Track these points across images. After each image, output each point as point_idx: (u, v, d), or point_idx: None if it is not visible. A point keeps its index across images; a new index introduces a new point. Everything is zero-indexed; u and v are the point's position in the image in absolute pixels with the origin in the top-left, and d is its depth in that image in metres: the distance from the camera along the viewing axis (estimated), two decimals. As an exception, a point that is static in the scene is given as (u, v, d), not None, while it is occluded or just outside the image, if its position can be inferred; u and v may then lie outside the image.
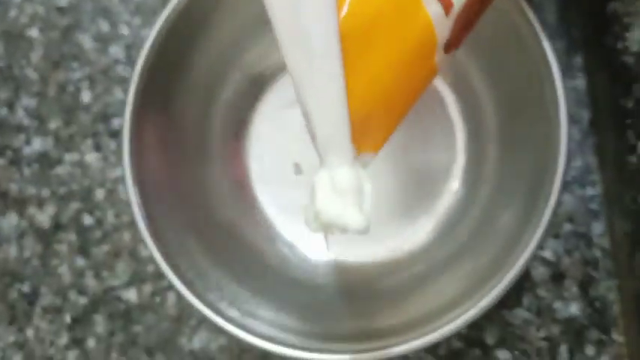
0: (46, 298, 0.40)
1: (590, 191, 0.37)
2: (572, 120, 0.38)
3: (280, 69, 0.38)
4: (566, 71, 0.38)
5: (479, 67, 0.35)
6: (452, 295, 0.32)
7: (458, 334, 0.37)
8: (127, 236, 0.40)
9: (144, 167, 0.33)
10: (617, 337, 0.36)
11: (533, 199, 0.30)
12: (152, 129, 0.33)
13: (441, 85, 0.37)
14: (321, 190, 0.25)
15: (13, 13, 0.43)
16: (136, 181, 0.32)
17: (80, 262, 0.40)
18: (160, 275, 0.39)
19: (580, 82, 0.38)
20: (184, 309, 0.39)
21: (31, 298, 0.40)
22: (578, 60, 0.38)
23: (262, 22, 0.35)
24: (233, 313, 0.32)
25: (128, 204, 0.39)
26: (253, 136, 0.39)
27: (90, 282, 0.40)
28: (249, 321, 0.32)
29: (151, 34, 0.33)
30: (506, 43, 0.32)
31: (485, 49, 0.34)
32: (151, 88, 0.33)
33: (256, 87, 0.39)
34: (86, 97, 0.42)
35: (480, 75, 0.35)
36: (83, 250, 0.40)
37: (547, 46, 0.30)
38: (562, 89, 0.30)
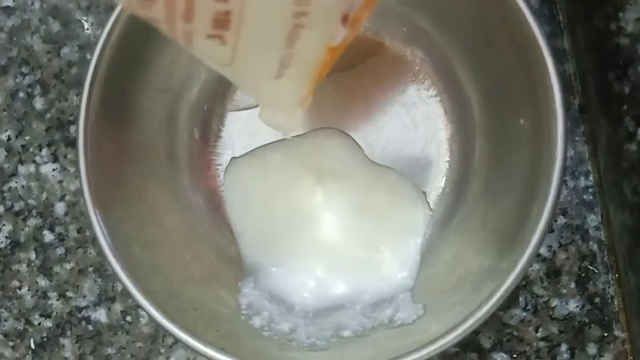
0: (8, 323, 0.39)
1: (583, 182, 0.36)
2: (562, 107, 0.36)
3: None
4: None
5: (462, 56, 0.34)
6: (451, 301, 0.31)
7: None
8: (92, 252, 0.39)
9: (104, 182, 0.30)
10: (620, 333, 0.35)
11: (529, 195, 0.28)
12: (111, 138, 0.31)
13: (424, 78, 0.36)
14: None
15: (-47, 14, 0.41)
16: (96, 199, 0.29)
17: (42, 282, 0.39)
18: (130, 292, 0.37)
19: (567, 66, 0.37)
20: (159, 327, 0.36)
21: None
22: (565, 43, 0.37)
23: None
24: (212, 334, 0.29)
25: (93, 229, 0.38)
26: (223, 140, 0.37)
27: (54, 303, 0.39)
28: (231, 341, 0.30)
29: (103, 33, 0.30)
30: (489, 28, 0.30)
31: (467, 36, 0.32)
32: (106, 94, 0.31)
33: (224, 86, 0.37)
34: (39, 103, 0.40)
35: (463, 64, 0.34)
36: (45, 269, 0.39)
37: (536, 29, 0.28)
38: (556, 75, 0.27)
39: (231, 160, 0.37)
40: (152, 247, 0.32)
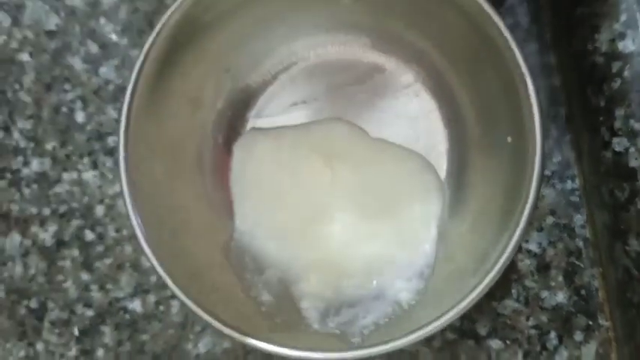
0: (54, 313, 0.41)
1: (569, 185, 0.39)
2: (549, 117, 0.39)
3: (268, 80, 0.40)
4: (541, 71, 0.39)
5: (458, 78, 0.36)
6: (441, 293, 0.34)
7: (451, 326, 0.39)
8: (128, 249, 0.41)
9: (139, 177, 0.34)
10: (604, 322, 0.38)
11: (511, 206, 0.31)
12: (146, 140, 0.34)
13: (425, 95, 0.39)
14: None
15: (1, 38, 0.44)
16: (132, 191, 0.33)
17: (84, 276, 0.41)
18: (163, 285, 0.39)
19: (554, 80, 0.39)
20: (188, 316, 0.40)
21: (39, 313, 0.41)
22: (552, 59, 0.40)
23: (251, 36, 0.37)
24: (228, 314, 0.32)
25: (128, 217, 0.40)
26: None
27: (95, 295, 0.41)
28: (244, 322, 0.33)
29: (145, 46, 0.33)
30: (482, 53, 0.33)
31: (463, 60, 0.35)
32: (144, 102, 0.34)
33: (247, 96, 0.40)
34: (80, 117, 0.43)
35: (460, 85, 0.36)
36: (87, 264, 0.42)
37: (519, 56, 0.31)
38: (535, 97, 0.30)
39: (250, 129, 0.39)
40: (178, 235, 0.35)
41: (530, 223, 0.30)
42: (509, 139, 0.33)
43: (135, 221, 0.33)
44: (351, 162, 0.37)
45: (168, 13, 0.34)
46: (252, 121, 0.40)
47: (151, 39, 0.33)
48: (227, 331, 0.32)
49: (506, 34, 0.31)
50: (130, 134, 0.33)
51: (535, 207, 0.30)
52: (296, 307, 0.36)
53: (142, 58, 0.33)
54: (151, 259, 0.32)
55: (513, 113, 0.32)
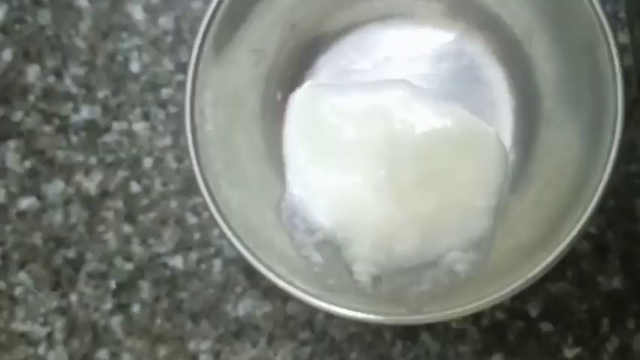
0: (91, 264, 0.41)
1: (633, 167, 0.39)
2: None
3: (331, 40, 0.39)
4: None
5: (535, 46, 0.36)
6: (500, 266, 0.34)
7: (501, 306, 0.38)
8: (173, 204, 0.41)
9: (202, 126, 0.34)
10: None
11: (585, 176, 0.32)
12: (211, 85, 0.35)
13: (495, 63, 0.38)
14: None
15: (60, -16, 0.44)
16: (195, 141, 0.33)
17: (126, 228, 0.41)
18: (206, 243, 0.40)
19: (626, 59, 0.38)
20: (230, 276, 0.40)
21: (76, 263, 0.41)
22: (624, 39, 0.39)
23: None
24: (281, 270, 0.33)
25: (176, 172, 0.41)
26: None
27: (136, 249, 0.41)
28: (297, 278, 0.33)
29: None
30: (562, 20, 0.33)
31: (542, 27, 0.35)
32: (211, 46, 0.34)
33: (308, 56, 0.39)
34: (135, 67, 0.43)
35: (536, 53, 0.36)
36: (130, 217, 0.41)
37: (602, 15, 0.31)
38: (619, 66, 0.31)
39: (308, 83, 0.38)
40: (235, 188, 0.35)
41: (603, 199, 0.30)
42: (584, 110, 0.33)
43: (196, 166, 0.33)
44: (412, 124, 0.36)
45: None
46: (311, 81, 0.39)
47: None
48: (283, 285, 0.32)
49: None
50: (198, 78, 0.34)
51: (610, 181, 0.30)
52: (348, 271, 0.35)
53: (213, 4, 0.34)
54: (210, 208, 0.33)
55: (594, 83, 0.32)
